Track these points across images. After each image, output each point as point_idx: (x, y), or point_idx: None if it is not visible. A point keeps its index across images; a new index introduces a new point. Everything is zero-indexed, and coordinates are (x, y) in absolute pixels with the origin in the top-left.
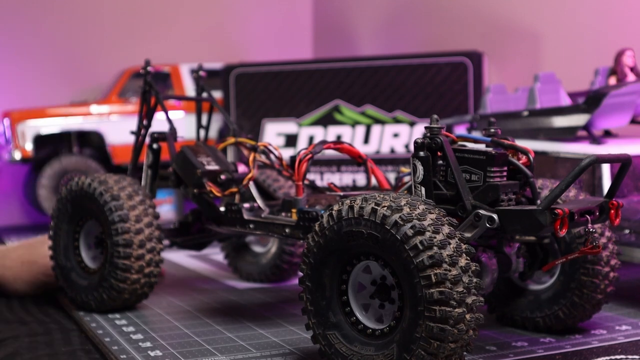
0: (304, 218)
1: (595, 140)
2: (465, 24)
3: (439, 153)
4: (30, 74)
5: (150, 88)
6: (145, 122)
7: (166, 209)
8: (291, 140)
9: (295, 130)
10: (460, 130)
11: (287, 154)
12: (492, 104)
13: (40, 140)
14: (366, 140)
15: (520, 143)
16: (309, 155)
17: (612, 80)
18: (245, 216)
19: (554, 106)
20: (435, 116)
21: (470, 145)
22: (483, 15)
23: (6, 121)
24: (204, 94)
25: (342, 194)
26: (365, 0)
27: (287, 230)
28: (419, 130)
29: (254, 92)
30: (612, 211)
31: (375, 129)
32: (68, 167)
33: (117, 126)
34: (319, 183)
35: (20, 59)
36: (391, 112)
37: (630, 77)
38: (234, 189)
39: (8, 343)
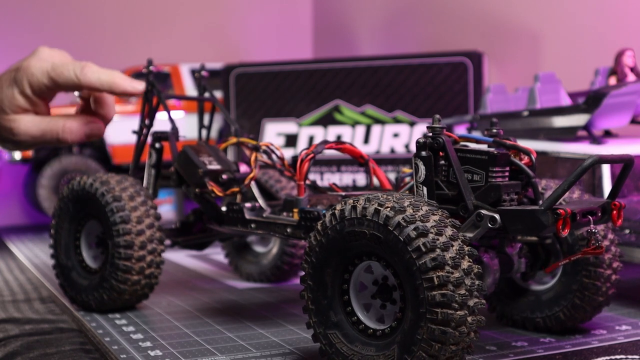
0: (306, 218)
1: (595, 140)
2: (465, 24)
3: (440, 153)
4: None
5: (153, 88)
6: (147, 121)
7: (166, 209)
8: (291, 140)
9: (296, 130)
10: (460, 130)
11: (287, 154)
12: (492, 104)
13: None
14: (366, 140)
15: (521, 143)
16: (311, 155)
17: (612, 80)
18: (247, 216)
19: (554, 106)
20: (437, 116)
21: (472, 145)
22: (483, 15)
23: None
24: (206, 94)
25: (343, 194)
26: (365, 0)
27: (288, 230)
28: (419, 130)
29: (254, 92)
30: (615, 212)
31: (375, 129)
32: (68, 167)
33: (117, 126)
34: (319, 183)
35: (20, 59)
36: (391, 112)
37: (630, 77)
38: (236, 189)
39: (8, 343)
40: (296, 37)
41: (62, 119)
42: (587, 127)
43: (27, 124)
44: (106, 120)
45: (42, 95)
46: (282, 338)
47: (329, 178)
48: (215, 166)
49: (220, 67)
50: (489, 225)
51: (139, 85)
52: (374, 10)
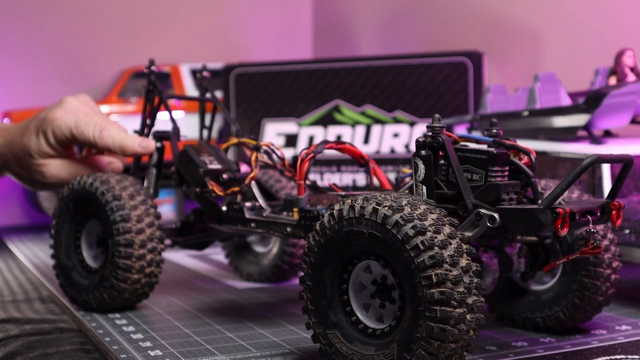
0: (305, 217)
1: (595, 140)
2: (465, 24)
3: (440, 152)
4: (30, 74)
5: (154, 88)
6: (148, 121)
7: (166, 208)
8: (291, 140)
9: (296, 130)
10: (461, 130)
11: (287, 154)
12: (492, 104)
13: None
14: (366, 140)
15: (521, 143)
16: (311, 155)
17: (612, 80)
18: (247, 215)
19: (554, 106)
20: (437, 115)
21: (472, 145)
22: (483, 15)
23: (6, 121)
24: (208, 94)
25: (343, 194)
26: (365, 0)
27: (288, 230)
28: (419, 130)
29: (254, 92)
30: (614, 212)
31: (375, 129)
32: None
33: None
34: (319, 183)
35: (20, 59)
36: (391, 112)
37: (630, 77)
38: (236, 188)
39: (8, 343)
40: (296, 37)
41: (88, 162)
42: (587, 127)
43: (57, 167)
44: (121, 160)
45: (64, 144)
46: (282, 338)
47: (329, 178)
48: (215, 166)
49: (220, 67)
50: (488, 224)
51: (150, 144)
52: (374, 10)
